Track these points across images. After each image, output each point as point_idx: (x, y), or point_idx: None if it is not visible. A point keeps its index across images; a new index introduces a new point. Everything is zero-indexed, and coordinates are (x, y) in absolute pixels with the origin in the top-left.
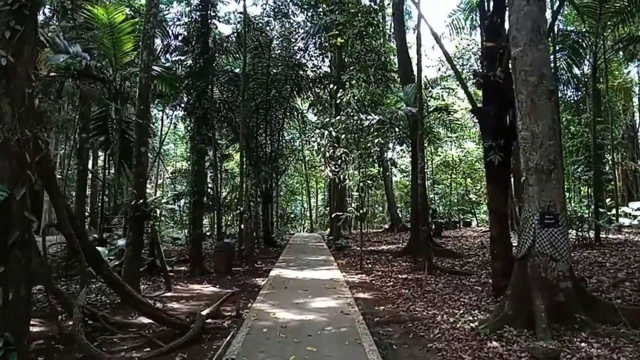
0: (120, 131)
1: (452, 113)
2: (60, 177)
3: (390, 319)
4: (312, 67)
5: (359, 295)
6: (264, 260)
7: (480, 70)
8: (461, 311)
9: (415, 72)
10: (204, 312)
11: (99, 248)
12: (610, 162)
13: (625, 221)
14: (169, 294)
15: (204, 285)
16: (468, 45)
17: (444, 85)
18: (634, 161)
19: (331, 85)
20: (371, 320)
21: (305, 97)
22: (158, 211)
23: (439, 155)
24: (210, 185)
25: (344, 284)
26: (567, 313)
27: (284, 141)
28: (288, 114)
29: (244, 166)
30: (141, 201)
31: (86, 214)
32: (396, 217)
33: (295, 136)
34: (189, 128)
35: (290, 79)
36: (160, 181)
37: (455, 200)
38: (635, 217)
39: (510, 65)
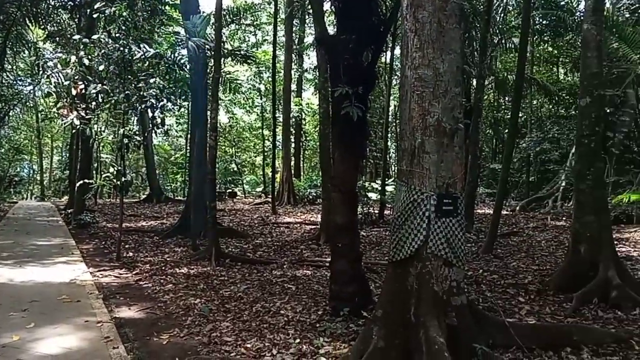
0: None
1: (253, 60)
2: None
3: None
4: None
5: (123, 313)
6: None
7: None
8: (295, 339)
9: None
10: None
11: None
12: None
13: (373, 196)
14: None
15: None
16: None
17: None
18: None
19: None
20: None
21: (42, 25)
22: None
23: None
24: None
25: (94, 292)
26: (464, 342)
27: (3, 79)
28: (11, 43)
29: None
30: None
31: None
32: (157, 186)
33: (24, 78)
34: None
35: None
36: None
37: (222, 170)
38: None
39: None
